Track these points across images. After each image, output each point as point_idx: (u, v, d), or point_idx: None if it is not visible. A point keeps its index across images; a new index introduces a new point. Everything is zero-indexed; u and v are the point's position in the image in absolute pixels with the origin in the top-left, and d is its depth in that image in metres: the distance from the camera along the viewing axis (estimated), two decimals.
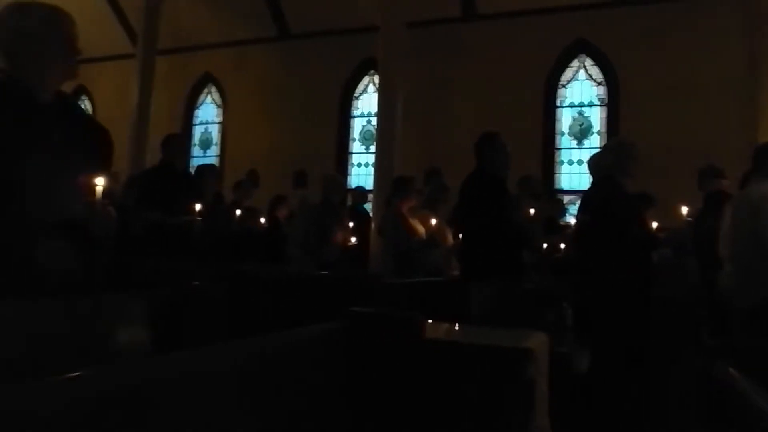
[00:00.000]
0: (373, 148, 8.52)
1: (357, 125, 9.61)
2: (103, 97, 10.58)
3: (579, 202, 7.49)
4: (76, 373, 0.94)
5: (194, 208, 4.12)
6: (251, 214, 6.02)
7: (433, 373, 1.54)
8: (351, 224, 5.29)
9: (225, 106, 10.49)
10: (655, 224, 4.03)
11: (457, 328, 2.00)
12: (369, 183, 7.89)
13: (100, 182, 1.76)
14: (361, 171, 9.42)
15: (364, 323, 1.53)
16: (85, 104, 10.81)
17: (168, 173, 4.44)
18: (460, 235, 4.41)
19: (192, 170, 5.86)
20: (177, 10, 9.17)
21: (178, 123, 10.35)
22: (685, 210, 4.31)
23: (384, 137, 7.04)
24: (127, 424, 0.94)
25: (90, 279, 1.94)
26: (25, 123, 1.72)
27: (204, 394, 1.13)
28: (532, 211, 4.38)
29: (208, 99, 10.80)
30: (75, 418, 0.85)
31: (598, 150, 5.58)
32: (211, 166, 6.43)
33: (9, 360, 1.38)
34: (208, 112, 10.78)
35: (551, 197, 6.77)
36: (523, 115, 7.87)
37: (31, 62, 1.75)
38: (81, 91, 10.73)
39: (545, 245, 4.82)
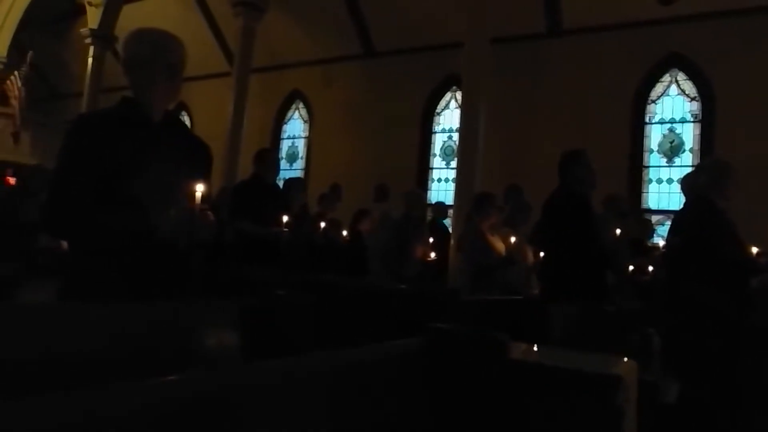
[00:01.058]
0: (453, 164, 8.54)
1: (438, 141, 9.67)
2: (201, 113, 11.29)
3: (668, 222, 7.26)
4: (171, 377, 0.97)
5: (281, 220, 4.31)
6: (334, 226, 6.18)
7: (516, 396, 1.48)
8: (431, 239, 5.33)
9: (311, 121, 10.88)
10: (755, 249, 3.79)
11: (540, 349, 1.95)
12: (449, 198, 7.91)
13: (200, 189, 1.84)
14: (441, 186, 9.45)
15: (446, 340, 1.53)
16: (185, 120, 11.56)
17: (259, 186, 4.66)
18: (541, 254, 4.35)
19: (280, 183, 6.11)
20: (270, 30, 9.64)
21: (268, 137, 10.84)
22: None
23: (465, 153, 7.03)
24: (213, 429, 0.96)
25: (187, 283, 2.06)
26: (142, 141, 1.90)
27: (286, 404, 1.14)
28: (618, 231, 4.26)
29: (296, 114, 11.24)
30: (164, 421, 0.88)
31: (690, 168, 5.32)
32: (298, 179, 6.68)
33: (103, 360, 1.45)
34: (296, 127, 11.23)
35: (639, 217, 6.50)
36: (610, 132, 7.63)
37: (145, 85, 1.94)
38: (181, 107, 11.51)
39: (631, 267, 4.65)
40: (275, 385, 1.14)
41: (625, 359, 1.79)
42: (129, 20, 10.87)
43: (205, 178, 2.04)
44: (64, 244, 4.08)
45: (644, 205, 7.76)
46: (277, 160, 5.24)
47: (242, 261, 4.27)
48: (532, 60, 8.43)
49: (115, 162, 1.83)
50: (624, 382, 1.48)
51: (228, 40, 10.83)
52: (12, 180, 6.79)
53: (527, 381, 1.47)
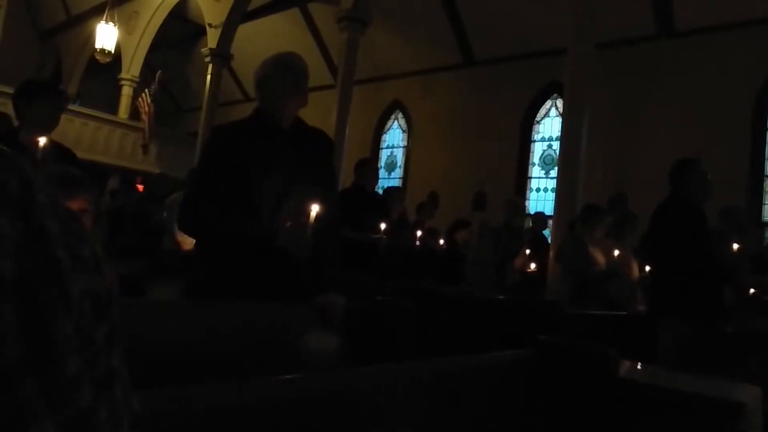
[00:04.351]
0: (552, 173, 8.33)
1: (537, 149, 9.47)
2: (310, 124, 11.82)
3: None
4: (278, 377, 1.03)
5: (380, 227, 4.43)
6: (432, 234, 6.24)
7: (625, 417, 1.41)
8: (530, 250, 5.25)
9: (410, 130, 11.04)
10: None
11: (650, 369, 1.85)
12: (547, 208, 7.72)
13: (315, 208, 1.95)
14: (540, 196, 9.24)
15: (555, 353, 1.51)
16: None
17: (359, 194, 4.82)
18: (648, 267, 4.15)
19: (380, 191, 6.26)
20: (372, 42, 9.90)
21: (368, 147, 11.13)
22: None
23: (566, 162, 6.83)
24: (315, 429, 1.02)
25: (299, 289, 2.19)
26: (270, 143, 2.10)
27: (388, 409, 1.16)
28: (735, 245, 3.98)
29: (395, 124, 11.45)
30: (270, 418, 0.94)
31: None
32: (397, 188, 6.80)
33: (222, 354, 1.56)
34: (395, 137, 11.43)
35: (760, 231, 6.02)
36: (726, 139, 7.12)
37: (272, 99, 2.15)
38: None
39: (753, 284, 4.32)
40: (378, 389, 1.17)
41: (747, 385, 1.68)
42: (243, 40, 11.62)
43: (329, 171, 2.27)
44: (186, 246, 4.45)
45: (765, 218, 7.15)
46: (377, 169, 5.38)
47: (343, 267, 4.41)
48: (640, 65, 8.05)
49: (243, 168, 2.02)
50: (747, 410, 1.39)
51: (332, 53, 11.26)
52: (141, 187, 7.46)
53: (637, 401, 1.41)
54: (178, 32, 13.84)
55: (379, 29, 9.88)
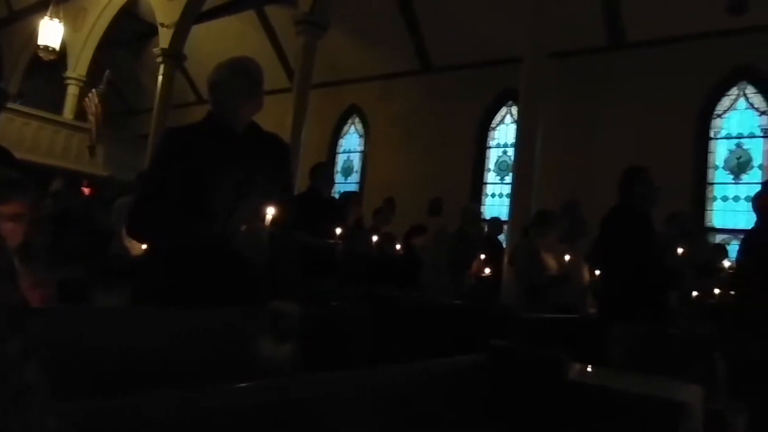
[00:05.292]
0: (507, 179, 8.47)
1: (493, 156, 9.62)
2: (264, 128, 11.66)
3: (734, 242, 6.95)
4: (229, 385, 1.02)
5: (336, 232, 4.40)
6: (388, 239, 6.24)
7: (575, 418, 1.46)
8: (485, 255, 5.31)
9: (367, 135, 11.05)
10: None
11: (599, 371, 1.90)
12: (502, 213, 7.84)
13: (271, 212, 1.92)
14: (495, 201, 9.38)
15: (507, 358, 1.53)
16: None
17: (314, 199, 4.77)
18: (597, 272, 4.25)
19: (336, 196, 6.23)
20: (330, 46, 9.86)
21: (325, 151, 11.07)
22: None
23: (521, 168, 6.96)
24: None
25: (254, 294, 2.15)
26: (223, 147, 2.06)
27: (341, 417, 1.16)
28: (681, 250, 4.12)
29: (352, 129, 11.44)
30: (221, 426, 0.92)
31: (759, 186, 5.09)
32: (354, 193, 6.79)
33: (170, 362, 1.53)
34: (352, 142, 11.43)
35: (706, 238, 6.26)
36: (673, 147, 7.39)
37: (226, 103, 2.11)
38: None
39: (695, 289, 4.49)
40: (334, 396, 1.16)
41: (690, 385, 1.73)
42: (198, 41, 11.38)
43: (284, 176, 2.24)
44: (135, 250, 4.31)
45: (709, 224, 7.46)
46: (333, 174, 5.35)
47: (300, 272, 4.36)
48: (592, 74, 8.29)
49: (196, 172, 1.98)
50: (689, 410, 1.44)
51: (289, 56, 11.16)
52: (87, 190, 7.20)
53: (587, 402, 1.45)
54: (129, 31, 13.47)
55: (336, 33, 9.85)
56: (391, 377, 1.36)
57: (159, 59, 11.00)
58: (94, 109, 11.59)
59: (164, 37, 11.00)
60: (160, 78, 10.98)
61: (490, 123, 9.62)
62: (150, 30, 12.49)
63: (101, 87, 11.72)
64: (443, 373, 1.48)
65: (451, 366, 1.52)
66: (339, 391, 1.20)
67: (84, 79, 12.95)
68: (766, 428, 2.95)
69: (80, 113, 12.37)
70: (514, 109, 8.35)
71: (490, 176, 9.58)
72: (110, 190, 5.65)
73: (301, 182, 7.07)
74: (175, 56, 11.00)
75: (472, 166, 9.52)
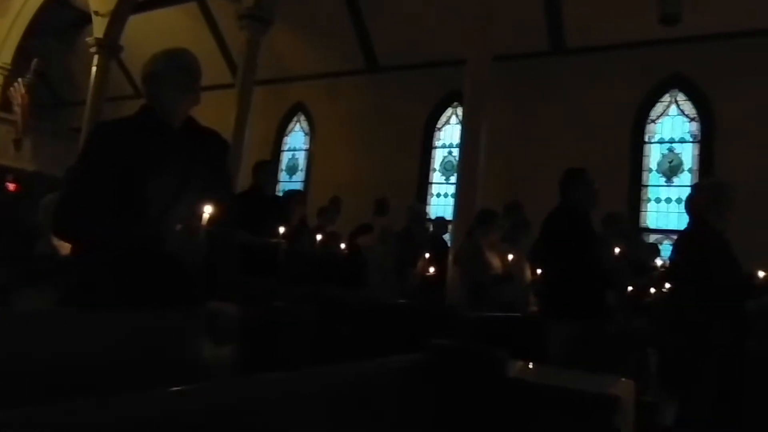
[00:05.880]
0: (453, 179, 8.56)
1: (438, 156, 9.72)
2: (205, 124, 11.35)
3: (667, 242, 7.27)
4: (163, 390, 0.97)
5: (279, 231, 4.32)
6: (333, 239, 6.18)
7: (514, 414, 1.49)
8: (429, 254, 5.33)
9: (313, 134, 10.94)
10: (761, 273, 3.78)
11: (538, 367, 1.96)
12: (448, 213, 7.92)
13: (208, 210, 1.86)
14: (441, 201, 9.47)
15: (446, 356, 1.54)
16: None
17: (257, 197, 4.67)
18: (539, 271, 4.34)
19: (280, 195, 6.12)
20: (275, 42, 9.71)
21: (269, 149, 10.89)
22: None
23: (466, 169, 7.05)
24: None
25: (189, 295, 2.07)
26: (158, 142, 1.98)
27: (282, 419, 1.14)
28: (617, 250, 4.26)
29: (298, 127, 11.31)
30: None
31: (689, 188, 5.34)
32: (298, 191, 6.69)
33: (99, 368, 1.46)
34: (297, 140, 11.29)
35: (641, 238, 6.51)
36: (610, 150, 7.67)
37: (161, 96, 2.04)
38: None
39: (631, 287, 4.65)
40: (275, 399, 1.14)
41: (623, 379, 1.79)
42: (136, 31, 10.96)
43: (223, 173, 2.19)
44: (64, 250, 4.08)
45: (643, 224, 7.78)
46: (276, 172, 5.26)
47: (240, 272, 4.26)
48: (535, 78, 8.50)
49: (128, 169, 1.89)
50: (621, 403, 1.49)
51: (232, 51, 10.91)
52: (12, 186, 6.79)
53: (525, 399, 1.48)
54: (61, 19, 12.83)
55: (282, 30, 9.71)
56: (329, 378, 1.35)
57: (93, 49, 10.53)
58: (20, 99, 10.98)
59: (98, 26, 10.53)
60: (93, 69, 10.51)
61: (436, 123, 9.72)
62: (84, 18, 11.94)
63: (28, 77, 11.12)
64: (382, 373, 1.47)
65: (390, 366, 1.51)
66: (276, 393, 1.17)
67: (9, 67, 12.25)
68: (693, 417, 3.08)
69: (5, 104, 11.68)
70: (460, 110, 8.45)
71: (436, 176, 9.68)
72: (38, 187, 5.34)
73: (243, 180, 6.91)
74: (110, 47, 10.55)
75: (417, 166, 9.59)
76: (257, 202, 4.59)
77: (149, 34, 11.27)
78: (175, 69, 2.05)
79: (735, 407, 3.18)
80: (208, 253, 1.93)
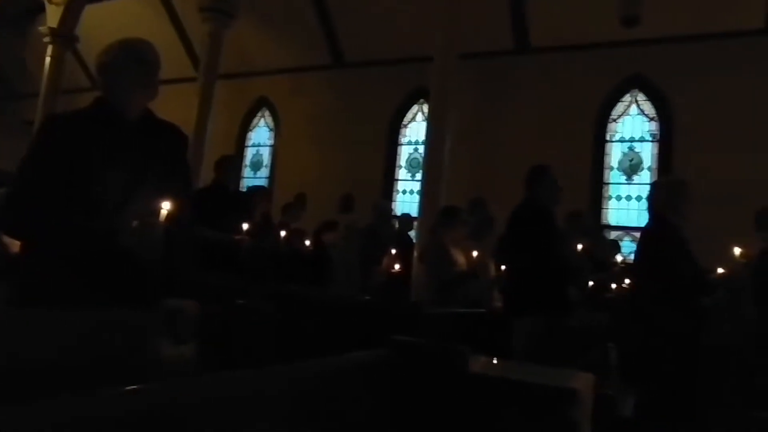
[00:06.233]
0: (418, 176, 8.58)
1: (404, 153, 9.72)
2: (166, 118, 11.09)
3: (627, 238, 7.44)
4: (122, 389, 0.95)
5: (242, 228, 4.25)
6: (298, 235, 6.12)
7: (476, 409, 1.52)
8: (396, 251, 5.32)
9: (278, 129, 10.81)
10: (719, 270, 3.89)
11: (500, 363, 1.99)
12: (413, 210, 7.93)
13: (166, 206, 1.83)
14: (406, 198, 9.49)
15: (408, 352, 1.54)
16: None
17: (220, 193, 4.60)
18: (503, 268, 4.38)
19: (244, 191, 6.03)
20: (238, 36, 9.55)
21: (233, 144, 10.71)
22: (738, 251, 4.14)
23: (431, 166, 7.08)
24: None
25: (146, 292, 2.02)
26: (113, 136, 1.92)
27: (245, 417, 1.13)
28: (580, 246, 4.33)
29: (262, 122, 11.15)
30: None
31: (648, 186, 5.46)
32: (262, 187, 6.61)
33: (54, 368, 1.43)
34: (261, 135, 11.14)
35: (602, 235, 6.64)
36: (573, 148, 7.81)
37: (117, 88, 1.97)
38: None
39: (592, 283, 4.73)
40: (236, 397, 1.12)
41: (582, 373, 1.83)
42: (93, 21, 10.63)
43: (182, 168, 2.15)
44: (14, 247, 3.92)
45: (604, 221, 7.94)
46: (239, 168, 5.19)
47: (201, 268, 4.18)
48: (500, 76, 8.57)
49: (81, 163, 1.84)
50: (580, 396, 1.52)
51: (194, 44, 10.69)
52: None
53: (486, 394, 1.50)
54: (13, 5, 12.35)
55: (245, 23, 9.56)
56: (291, 375, 1.34)
57: (46, 39, 10.17)
58: None
59: (53, 15, 10.19)
60: (47, 60, 10.15)
61: (402, 120, 9.72)
62: (38, 5, 11.52)
63: None
64: (345, 369, 1.46)
65: (352, 362, 1.51)
66: (237, 391, 1.16)
67: None
68: (651, 409, 3.15)
69: None
70: (426, 107, 8.48)
71: (402, 173, 9.68)
72: None
73: (206, 176, 6.79)
74: (65, 37, 10.21)
75: (383, 162, 9.57)
76: (219, 198, 4.54)
77: (107, 25, 10.91)
78: (131, 60, 1.99)
79: (691, 398, 3.27)
80: (166, 250, 1.90)
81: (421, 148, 8.61)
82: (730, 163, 6.87)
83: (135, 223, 1.82)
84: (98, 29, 10.70)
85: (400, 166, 9.71)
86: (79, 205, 1.83)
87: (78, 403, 0.84)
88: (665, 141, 7.74)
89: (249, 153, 11.14)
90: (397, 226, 6.96)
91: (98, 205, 1.85)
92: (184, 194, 2.05)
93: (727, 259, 4.19)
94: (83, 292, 1.77)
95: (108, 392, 0.92)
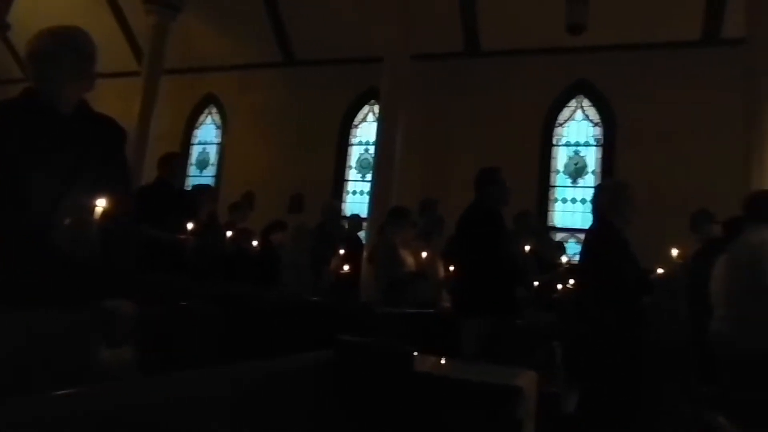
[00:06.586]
0: (369, 177, 8.58)
1: (355, 153, 9.69)
2: (107, 112, 10.65)
3: (572, 240, 7.65)
4: (57, 393, 0.92)
5: (186, 227, 4.13)
6: (245, 235, 6.00)
7: (421, 408, 1.53)
8: (344, 251, 5.28)
9: (225, 127, 10.57)
10: (658, 270, 4.02)
11: (446, 362, 2.00)
12: (364, 211, 7.91)
13: (101, 204, 1.76)
14: (356, 198, 9.45)
15: (354, 353, 1.53)
16: None
17: (163, 191, 4.46)
18: (452, 268, 4.41)
19: (188, 189, 5.86)
20: (185, 30, 9.30)
21: (178, 141, 10.41)
22: (675, 252, 4.31)
23: (382, 166, 7.08)
24: None
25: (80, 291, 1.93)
26: (44, 129, 1.83)
27: (187, 420, 1.12)
28: (527, 247, 4.40)
29: (209, 120, 10.89)
30: None
31: (592, 189, 5.61)
32: (207, 186, 6.45)
33: None
34: (208, 133, 10.87)
35: (548, 236, 6.79)
36: (521, 151, 7.97)
37: (48, 79, 1.88)
38: None
39: (537, 283, 4.82)
40: (178, 399, 1.11)
41: (526, 371, 1.86)
42: (27, 9, 10.13)
43: (119, 163, 2.05)
44: None
45: (550, 223, 8.13)
46: (184, 165, 5.04)
47: (144, 268, 4.02)
48: (450, 78, 8.67)
49: (8, 157, 1.75)
50: (524, 393, 1.54)
51: (138, 37, 10.32)
52: None
53: (431, 393, 1.51)
54: None
55: (193, 17, 9.32)
56: (235, 377, 1.33)
57: None
58: None
59: None
60: None
61: (353, 120, 9.69)
62: None
63: None
64: (289, 370, 1.44)
65: (298, 363, 1.48)
66: (177, 394, 1.14)
67: None
68: (593, 405, 3.22)
69: None
70: (377, 108, 8.48)
71: (352, 173, 9.65)
72: None
73: (149, 174, 6.56)
74: None
75: (334, 162, 9.52)
76: (163, 196, 4.40)
77: (43, 13, 10.40)
78: (64, 48, 1.89)
79: (633, 395, 3.36)
80: (103, 249, 1.82)
81: (372, 149, 8.61)
82: (668, 167, 7.18)
83: (68, 220, 1.74)
84: (31, 16, 10.19)
85: (351, 167, 9.67)
86: (7, 201, 1.74)
87: (5, 409, 0.81)
88: (608, 145, 8.01)
89: (195, 151, 10.86)
90: (346, 226, 6.92)
91: (28, 201, 1.76)
92: (123, 191, 1.98)
93: (665, 260, 4.36)
94: (12, 292, 1.67)
95: (38, 397, 0.89)
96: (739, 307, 3.30)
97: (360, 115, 9.70)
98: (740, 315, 3.27)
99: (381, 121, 7.43)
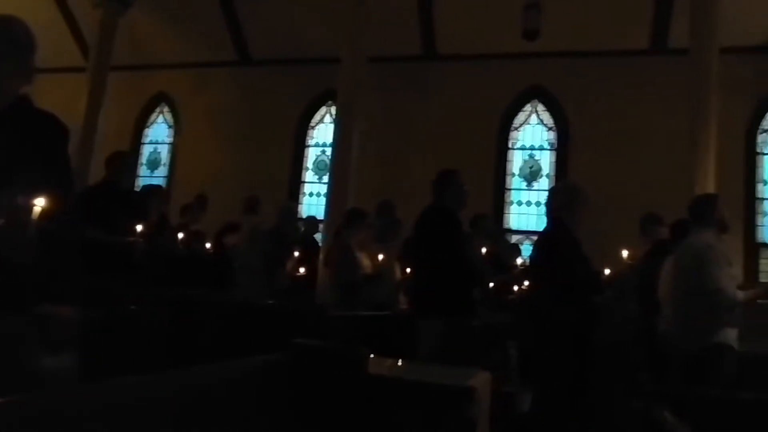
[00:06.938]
0: (325, 178, 8.52)
1: (311, 155, 9.61)
2: (51, 109, 10.22)
3: (527, 242, 7.78)
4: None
5: (135, 229, 3.99)
6: (198, 237, 5.87)
7: (375, 409, 1.51)
8: (300, 254, 5.22)
9: (177, 127, 10.30)
10: (607, 271, 4.11)
11: (401, 364, 1.99)
12: (320, 213, 7.85)
13: (40, 204, 1.65)
14: (313, 200, 9.37)
15: (308, 356, 1.50)
16: None
17: (110, 191, 4.30)
18: (408, 270, 4.40)
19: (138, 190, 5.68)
20: (135, 26, 9.03)
21: (128, 141, 10.08)
22: (625, 254, 4.42)
23: (338, 168, 7.04)
24: None
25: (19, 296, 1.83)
26: None
27: (132, 427, 1.08)
28: (484, 249, 4.43)
29: (160, 119, 10.59)
30: None
31: (546, 192, 5.71)
32: (157, 186, 6.27)
33: None
34: (160, 132, 10.56)
35: (504, 238, 6.88)
36: (477, 154, 8.05)
37: None
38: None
39: (492, 284, 4.86)
40: (119, 405, 1.08)
41: (480, 371, 1.86)
42: None
43: (60, 161, 1.93)
44: None
45: (506, 225, 8.25)
46: (132, 165, 4.88)
47: (89, 272, 3.85)
48: (408, 81, 8.69)
49: None
50: (477, 394, 1.54)
51: (84, 32, 9.95)
52: None
53: (385, 395, 1.50)
54: None
55: (143, 12, 9.06)
56: (183, 381, 1.30)
57: None
58: None
59: None
60: None
61: (310, 122, 9.60)
62: None
63: None
64: (242, 373, 1.39)
65: (250, 366, 1.44)
66: (119, 400, 1.11)
67: None
68: (546, 404, 3.26)
69: None
70: (334, 109, 8.43)
71: (309, 175, 9.56)
72: None
73: (97, 174, 6.32)
74: None
75: (290, 164, 9.40)
76: (110, 197, 4.24)
77: None
78: None
79: (585, 393, 3.42)
80: (42, 251, 1.71)
81: (329, 151, 8.56)
82: (618, 171, 7.39)
83: (1, 221, 1.62)
84: None
85: (307, 168, 9.58)
86: None
87: None
88: (562, 149, 8.19)
89: (145, 150, 10.53)
90: (302, 228, 6.84)
91: None
92: (65, 191, 1.86)
93: (615, 261, 4.47)
94: None
95: None
96: (683, 307, 3.40)
97: (317, 117, 9.62)
98: (684, 315, 3.37)
99: (338, 122, 7.39)
